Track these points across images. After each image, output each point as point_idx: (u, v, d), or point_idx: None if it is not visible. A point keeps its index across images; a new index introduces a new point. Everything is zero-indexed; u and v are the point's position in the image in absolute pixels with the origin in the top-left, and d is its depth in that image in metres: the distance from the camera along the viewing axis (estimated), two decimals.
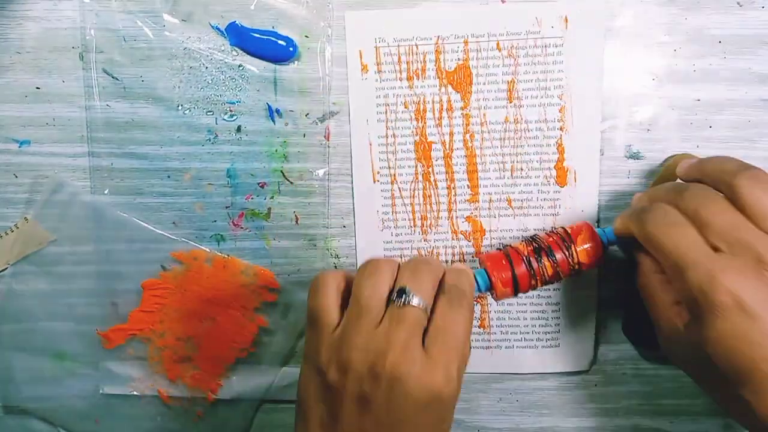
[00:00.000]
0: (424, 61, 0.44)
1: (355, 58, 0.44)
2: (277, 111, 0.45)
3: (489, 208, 0.45)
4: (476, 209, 0.45)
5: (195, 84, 0.45)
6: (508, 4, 0.43)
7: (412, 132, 0.45)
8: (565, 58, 0.43)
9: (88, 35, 0.44)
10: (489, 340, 0.47)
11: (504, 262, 0.40)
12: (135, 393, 0.48)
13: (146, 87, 0.45)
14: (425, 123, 0.44)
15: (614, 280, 0.46)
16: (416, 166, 0.45)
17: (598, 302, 0.46)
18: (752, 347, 0.30)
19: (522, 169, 0.45)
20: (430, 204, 0.45)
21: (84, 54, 0.45)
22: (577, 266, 0.40)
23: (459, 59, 0.44)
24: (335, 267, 0.47)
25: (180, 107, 0.45)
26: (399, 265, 0.37)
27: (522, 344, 0.46)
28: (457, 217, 0.45)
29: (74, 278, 0.47)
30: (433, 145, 0.45)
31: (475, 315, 0.46)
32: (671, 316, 0.35)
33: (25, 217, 0.46)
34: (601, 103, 0.44)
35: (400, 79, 0.44)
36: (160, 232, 0.46)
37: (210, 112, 0.45)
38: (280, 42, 0.44)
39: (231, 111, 0.45)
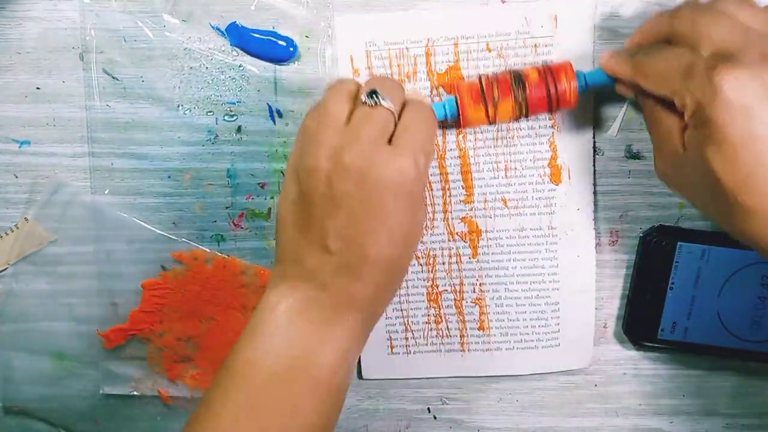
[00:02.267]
0: (415, 64, 0.44)
1: (347, 62, 0.44)
2: (278, 111, 0.45)
3: (484, 209, 0.45)
4: (471, 210, 0.45)
5: (195, 84, 0.45)
6: (496, 5, 0.43)
7: None
8: (555, 57, 0.43)
9: (88, 35, 0.44)
10: (489, 342, 0.47)
11: (477, 90, 0.40)
12: (135, 393, 0.48)
13: (146, 87, 0.45)
14: None
15: (613, 280, 0.46)
16: None
17: (596, 300, 0.46)
18: (754, 156, 0.30)
19: (516, 169, 0.45)
20: (425, 206, 0.45)
21: (84, 54, 0.45)
22: (555, 104, 0.40)
23: (449, 61, 0.44)
24: None
25: (180, 107, 0.45)
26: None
27: (522, 345, 0.46)
28: (452, 219, 0.45)
29: (74, 278, 0.47)
30: None
31: (474, 317, 0.46)
32: (673, 138, 0.34)
33: (25, 218, 0.46)
34: (593, 100, 0.44)
35: None
36: (160, 232, 0.46)
37: (210, 112, 0.45)
38: (280, 42, 0.44)
39: (231, 111, 0.45)
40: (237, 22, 0.44)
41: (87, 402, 0.48)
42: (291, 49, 0.44)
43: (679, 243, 0.43)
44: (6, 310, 0.47)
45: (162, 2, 0.44)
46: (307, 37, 0.44)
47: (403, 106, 0.36)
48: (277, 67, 0.44)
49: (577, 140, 0.44)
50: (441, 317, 0.47)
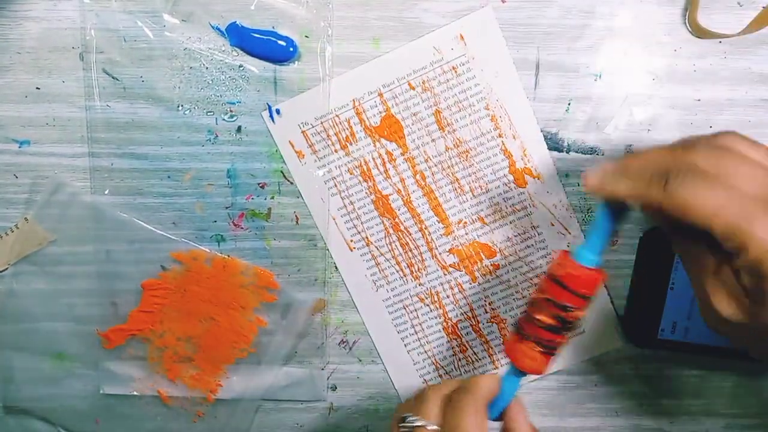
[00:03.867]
0: (350, 126, 0.45)
1: (289, 149, 0.45)
2: (278, 111, 0.45)
3: (466, 234, 0.45)
4: (455, 239, 0.46)
5: (195, 84, 0.45)
6: (403, 45, 0.44)
7: (366, 193, 0.45)
8: (476, 72, 0.44)
9: (88, 35, 0.44)
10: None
11: (524, 346, 0.37)
12: (135, 393, 0.48)
13: (146, 87, 0.45)
14: (374, 181, 0.45)
15: (614, 280, 0.46)
16: (383, 222, 0.46)
17: (597, 300, 0.46)
18: None
19: (480, 187, 0.45)
20: (411, 251, 0.46)
21: (84, 54, 0.45)
22: (588, 299, 0.36)
23: (381, 112, 0.45)
24: (335, 267, 0.47)
25: (180, 107, 0.45)
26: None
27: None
28: (440, 253, 0.46)
29: (74, 278, 0.47)
30: (391, 197, 0.45)
31: (495, 334, 0.46)
32: (730, 302, 0.30)
33: (25, 218, 0.46)
34: (526, 94, 0.44)
35: (336, 151, 0.45)
36: (160, 232, 0.46)
37: (210, 112, 0.45)
38: (280, 42, 0.44)
39: (231, 111, 0.45)
40: (237, 22, 0.44)
41: (87, 402, 0.48)
42: (291, 49, 0.44)
43: None
44: (6, 310, 0.47)
45: (162, 2, 0.44)
46: (307, 37, 0.44)
47: (446, 408, 0.35)
48: (277, 67, 0.44)
49: (526, 137, 0.45)
50: (465, 345, 0.47)
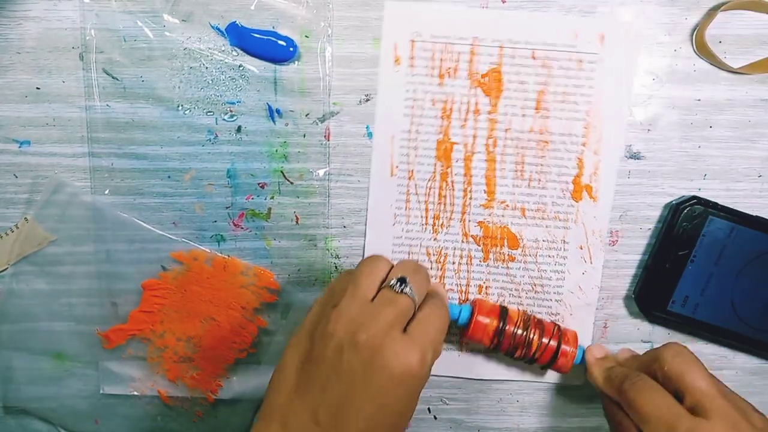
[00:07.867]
0: (458, 61, 0.44)
1: (389, 50, 0.44)
2: (278, 111, 0.45)
3: (502, 216, 0.45)
4: (489, 215, 0.45)
5: (195, 84, 0.45)
6: (548, 12, 0.43)
7: (436, 130, 0.45)
8: (597, 75, 0.43)
9: (88, 35, 0.44)
10: (488, 348, 0.47)
11: (494, 312, 0.43)
12: (135, 393, 0.48)
13: (146, 87, 0.45)
14: (450, 123, 0.44)
15: (613, 280, 0.46)
16: (435, 165, 0.45)
17: (595, 301, 0.46)
18: None
19: (540, 180, 0.45)
20: (445, 204, 0.45)
21: (84, 54, 0.45)
22: (553, 358, 0.43)
23: (492, 63, 0.44)
24: (335, 267, 0.47)
25: (180, 107, 0.45)
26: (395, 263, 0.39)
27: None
28: (469, 221, 0.45)
29: (74, 278, 0.47)
30: (455, 146, 0.45)
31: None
32: None
33: (25, 217, 0.46)
34: (626, 126, 0.44)
35: (432, 76, 0.44)
36: (160, 232, 0.46)
37: (210, 112, 0.45)
38: (280, 42, 0.44)
39: (231, 111, 0.45)
40: (237, 22, 0.44)
41: (87, 402, 0.48)
42: (291, 49, 0.44)
43: (710, 216, 0.43)
44: (6, 310, 0.47)
45: (162, 2, 0.44)
46: (307, 37, 0.44)
47: (426, 297, 0.37)
48: (277, 67, 0.44)
49: (604, 161, 0.44)
50: None
